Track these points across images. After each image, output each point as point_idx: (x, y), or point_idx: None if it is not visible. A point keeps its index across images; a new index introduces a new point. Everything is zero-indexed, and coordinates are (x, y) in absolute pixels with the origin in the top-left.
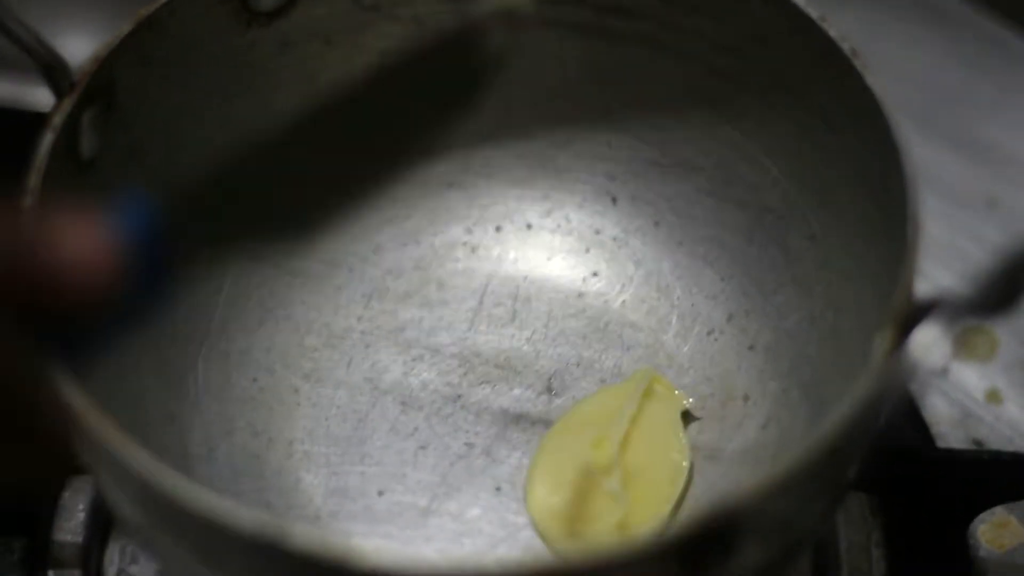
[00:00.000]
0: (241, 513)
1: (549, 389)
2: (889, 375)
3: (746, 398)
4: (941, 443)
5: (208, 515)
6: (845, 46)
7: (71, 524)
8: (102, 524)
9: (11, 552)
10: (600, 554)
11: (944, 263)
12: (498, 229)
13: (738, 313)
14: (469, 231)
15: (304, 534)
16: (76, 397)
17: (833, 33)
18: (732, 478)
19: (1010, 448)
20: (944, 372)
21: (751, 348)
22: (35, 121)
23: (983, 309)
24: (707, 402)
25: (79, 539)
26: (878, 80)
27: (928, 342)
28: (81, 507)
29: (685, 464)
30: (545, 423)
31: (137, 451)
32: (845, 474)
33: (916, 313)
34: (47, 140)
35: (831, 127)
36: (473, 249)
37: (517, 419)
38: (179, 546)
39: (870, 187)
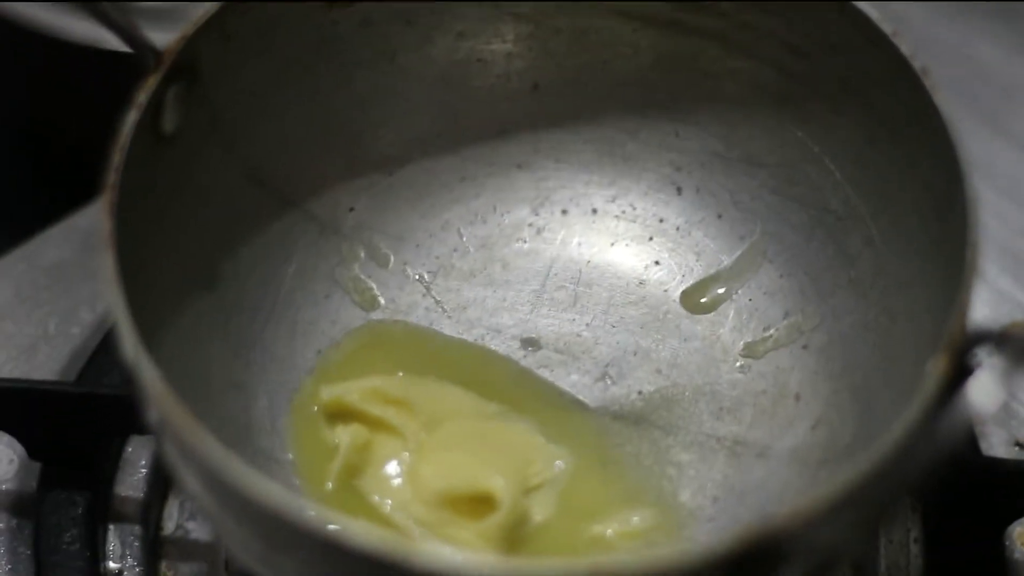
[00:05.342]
0: (306, 510)
1: (606, 376)
2: (947, 412)
3: (797, 397)
4: (983, 443)
5: (273, 508)
6: (916, 64)
7: (133, 479)
8: (163, 480)
9: (75, 506)
10: (646, 564)
11: (1000, 262)
12: (564, 212)
13: (794, 311)
14: (536, 213)
15: (365, 533)
16: (151, 377)
17: (905, 49)
18: (780, 478)
19: None
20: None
21: (805, 347)
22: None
23: None
24: (759, 398)
25: (140, 494)
26: (947, 99)
27: (991, 380)
28: (143, 463)
29: None
30: (600, 410)
31: (210, 443)
32: (893, 497)
33: (973, 340)
34: (131, 118)
35: (897, 139)
36: (539, 231)
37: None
38: (242, 527)
39: (932, 201)
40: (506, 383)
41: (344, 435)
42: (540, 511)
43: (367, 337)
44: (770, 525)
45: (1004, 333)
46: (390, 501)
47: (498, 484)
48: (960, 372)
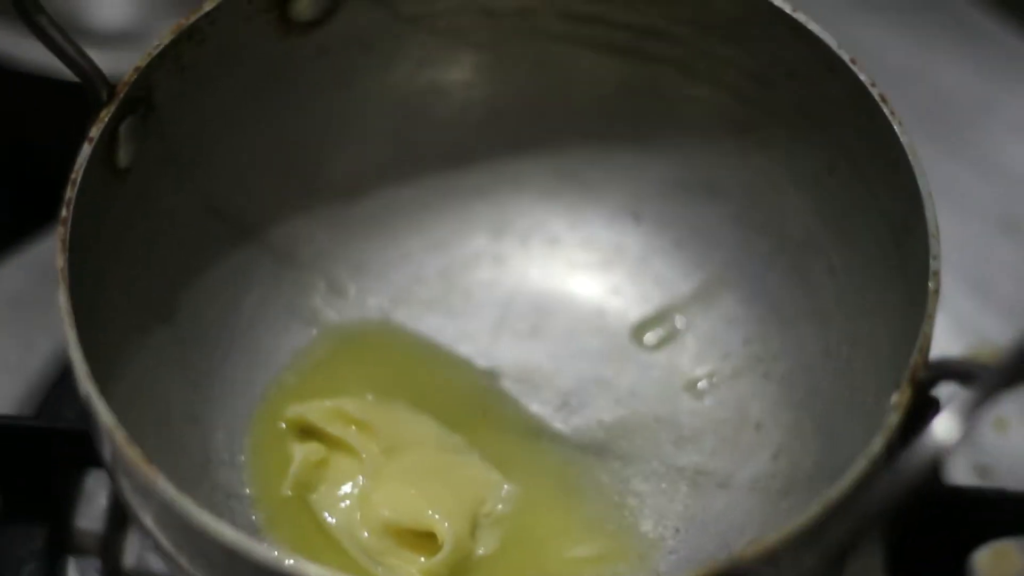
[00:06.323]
0: (257, 549)
1: (566, 406)
2: (911, 445)
3: (759, 426)
4: (945, 471)
5: (225, 547)
6: (875, 91)
7: (93, 512)
8: (122, 513)
9: (34, 539)
10: None
11: (957, 284)
12: (524, 241)
13: (755, 339)
14: (495, 241)
15: (318, 572)
16: (104, 415)
17: (864, 77)
18: (742, 509)
19: (1013, 477)
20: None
21: (766, 376)
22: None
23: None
24: (720, 427)
25: (100, 527)
26: (906, 126)
27: (954, 413)
28: (103, 496)
29: None
30: (562, 439)
31: (163, 482)
32: (858, 531)
33: (936, 372)
34: (84, 152)
35: (856, 166)
36: (499, 259)
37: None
38: (195, 566)
39: (891, 229)
40: (472, 403)
41: (299, 451)
42: (487, 548)
43: (338, 341)
44: (733, 560)
45: (967, 365)
46: (336, 521)
47: (442, 527)
48: (923, 404)
